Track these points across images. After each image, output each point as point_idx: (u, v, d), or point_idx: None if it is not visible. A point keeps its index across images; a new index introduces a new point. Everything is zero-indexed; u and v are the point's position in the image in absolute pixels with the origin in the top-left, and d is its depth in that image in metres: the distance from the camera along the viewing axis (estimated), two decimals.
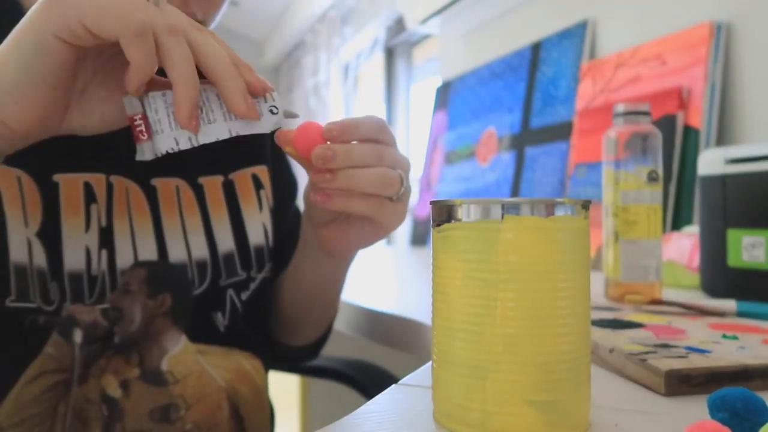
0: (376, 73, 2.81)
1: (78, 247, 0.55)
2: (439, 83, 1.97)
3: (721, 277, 0.72)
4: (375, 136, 0.50)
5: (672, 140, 1.06)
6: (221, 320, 0.63)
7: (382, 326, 0.82)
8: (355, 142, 0.49)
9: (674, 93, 1.08)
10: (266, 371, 0.69)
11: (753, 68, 1.03)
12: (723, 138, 1.06)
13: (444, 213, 0.33)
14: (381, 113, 2.77)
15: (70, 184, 0.55)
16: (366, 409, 0.37)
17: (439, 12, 1.85)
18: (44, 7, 0.38)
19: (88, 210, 0.56)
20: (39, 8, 0.38)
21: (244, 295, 0.65)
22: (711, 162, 0.73)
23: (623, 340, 0.47)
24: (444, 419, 0.33)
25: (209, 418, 0.59)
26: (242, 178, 0.66)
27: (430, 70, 2.44)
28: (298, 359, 0.80)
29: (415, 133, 2.61)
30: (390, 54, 2.72)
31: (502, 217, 0.31)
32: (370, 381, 0.89)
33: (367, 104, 3.00)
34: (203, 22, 0.54)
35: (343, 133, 0.48)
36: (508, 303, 0.31)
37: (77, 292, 0.55)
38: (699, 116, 1.05)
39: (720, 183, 0.72)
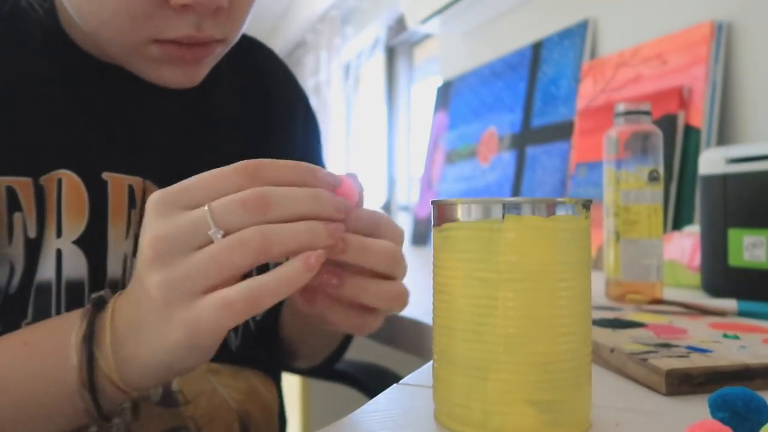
0: (377, 72, 2.81)
1: (119, 255, 0.52)
2: (440, 83, 1.97)
3: (722, 277, 0.72)
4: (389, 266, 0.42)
5: (673, 140, 1.06)
6: (233, 339, 0.61)
7: (383, 326, 0.82)
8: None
9: (675, 92, 1.08)
10: (279, 390, 0.67)
11: (754, 68, 1.03)
12: (724, 137, 1.06)
13: (445, 213, 0.33)
14: (382, 113, 2.77)
15: (117, 185, 0.53)
16: (367, 409, 0.37)
17: (439, 12, 1.84)
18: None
19: (129, 215, 0.53)
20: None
21: (259, 316, 0.63)
22: (712, 161, 0.73)
23: (624, 339, 0.47)
24: (445, 419, 0.33)
25: None
26: None
27: (430, 70, 2.44)
28: (310, 375, 0.76)
29: (415, 133, 2.61)
30: (391, 53, 2.72)
31: (503, 217, 0.31)
32: (372, 381, 0.89)
33: (368, 104, 3.00)
34: (225, 41, 0.51)
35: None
36: (508, 303, 0.31)
37: None
38: (700, 116, 1.05)
39: (721, 182, 0.72)
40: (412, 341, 0.76)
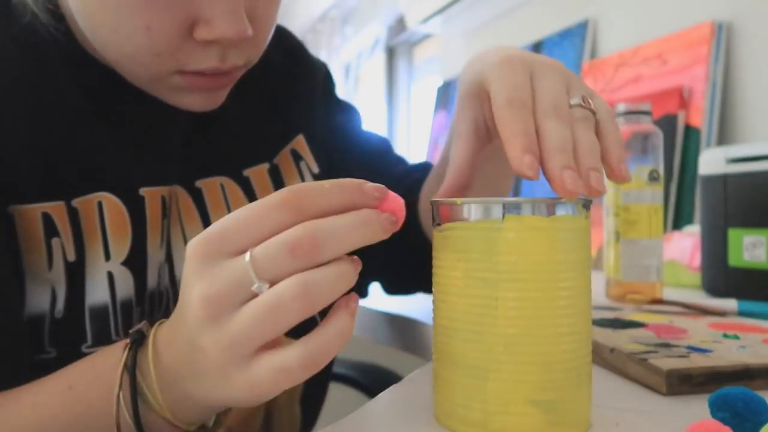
0: (377, 72, 2.81)
1: (155, 265, 0.52)
2: (440, 83, 1.97)
3: (722, 277, 0.72)
4: None
5: (673, 140, 1.06)
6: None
7: (384, 326, 0.82)
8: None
9: (675, 92, 1.08)
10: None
11: (754, 68, 1.03)
12: (724, 137, 1.06)
13: (445, 213, 0.33)
14: (382, 113, 2.77)
15: (152, 198, 0.52)
16: (367, 409, 0.37)
17: (440, 11, 1.84)
18: None
19: (162, 226, 0.53)
20: None
21: None
22: (712, 161, 0.73)
23: (624, 339, 0.47)
24: (445, 419, 0.33)
25: (243, 422, 0.57)
26: (284, 159, 0.63)
27: (431, 70, 2.44)
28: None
29: (416, 133, 2.61)
30: (391, 53, 2.72)
31: (503, 217, 0.31)
32: (372, 381, 0.90)
33: (368, 104, 3.00)
34: (247, 64, 0.51)
35: None
36: (509, 303, 0.31)
37: (152, 312, 0.52)
38: (700, 116, 1.05)
39: (721, 182, 0.72)
40: (412, 341, 0.76)
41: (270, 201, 0.33)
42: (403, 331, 0.79)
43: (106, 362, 0.39)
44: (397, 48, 2.69)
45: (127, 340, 0.38)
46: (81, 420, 0.39)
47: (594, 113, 0.39)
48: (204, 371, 0.35)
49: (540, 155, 0.37)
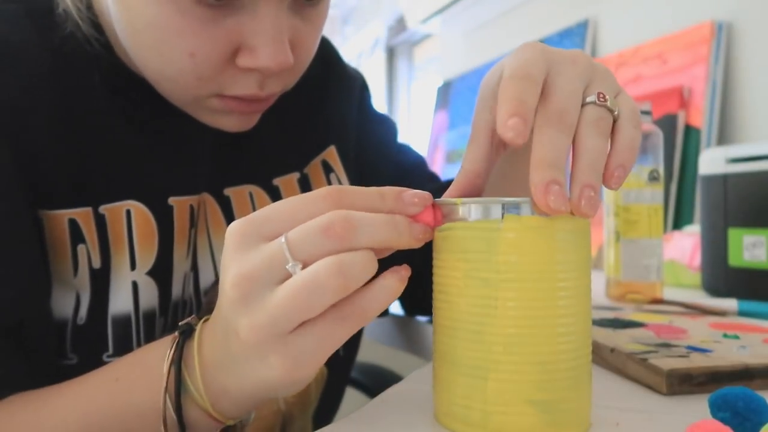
0: (378, 72, 2.81)
1: (180, 275, 0.52)
2: (440, 83, 1.97)
3: (722, 277, 0.72)
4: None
5: (673, 139, 1.06)
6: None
7: (385, 326, 0.82)
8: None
9: (675, 92, 1.08)
10: (329, 378, 0.65)
11: (754, 68, 1.03)
12: (724, 137, 1.06)
13: (445, 212, 0.33)
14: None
15: (181, 208, 0.52)
16: (367, 409, 0.37)
17: (440, 11, 1.84)
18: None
19: (189, 235, 0.53)
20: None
21: None
22: (712, 161, 0.73)
23: (624, 339, 0.47)
24: (445, 418, 0.33)
25: None
26: (315, 169, 0.63)
27: (431, 70, 2.44)
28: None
29: (416, 133, 2.61)
30: (391, 53, 2.72)
31: (503, 217, 0.31)
32: (372, 381, 0.89)
33: None
34: (284, 89, 0.51)
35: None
36: (508, 303, 0.31)
37: (175, 322, 0.52)
38: (700, 116, 1.05)
39: (721, 182, 0.72)
40: (412, 341, 0.76)
41: (313, 194, 0.34)
42: (403, 331, 0.79)
43: (154, 355, 0.39)
44: (397, 48, 2.69)
45: (176, 333, 0.38)
46: (125, 411, 0.39)
47: (613, 112, 0.35)
48: (238, 355, 0.34)
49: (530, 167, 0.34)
